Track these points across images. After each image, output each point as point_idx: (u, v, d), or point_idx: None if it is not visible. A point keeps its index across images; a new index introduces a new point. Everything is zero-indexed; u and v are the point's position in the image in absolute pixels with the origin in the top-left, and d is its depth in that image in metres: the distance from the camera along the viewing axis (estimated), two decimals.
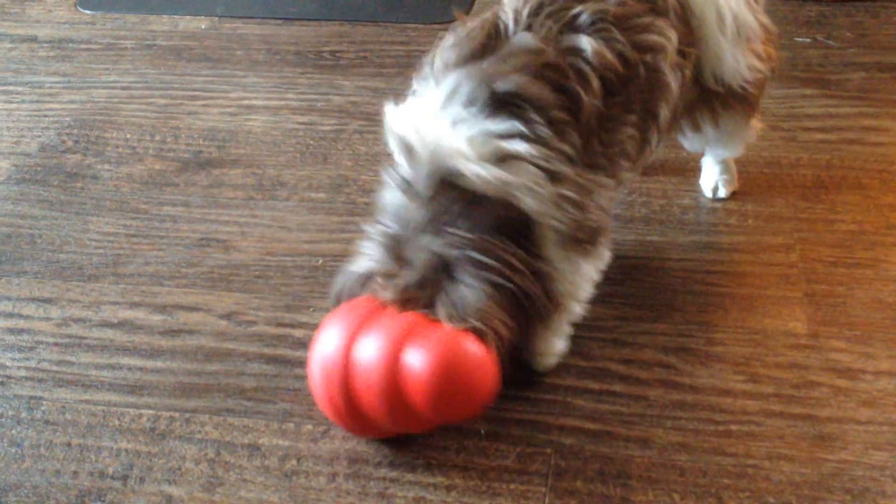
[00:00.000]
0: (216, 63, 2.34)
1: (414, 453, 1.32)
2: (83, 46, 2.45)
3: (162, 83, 2.26)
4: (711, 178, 1.74)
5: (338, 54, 2.36)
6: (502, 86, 1.25)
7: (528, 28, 1.30)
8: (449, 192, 1.25)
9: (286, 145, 2.01)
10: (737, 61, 1.45)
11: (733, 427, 1.34)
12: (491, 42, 1.30)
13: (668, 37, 1.35)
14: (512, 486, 1.27)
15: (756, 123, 1.64)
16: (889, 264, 1.61)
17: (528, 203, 1.25)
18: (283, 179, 1.90)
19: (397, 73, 2.25)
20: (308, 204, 1.83)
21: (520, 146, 1.23)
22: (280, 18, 2.55)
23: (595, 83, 1.29)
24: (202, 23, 2.54)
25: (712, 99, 1.51)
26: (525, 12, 1.31)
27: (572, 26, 1.31)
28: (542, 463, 1.30)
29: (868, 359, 1.44)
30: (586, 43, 1.29)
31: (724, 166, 1.73)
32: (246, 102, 2.17)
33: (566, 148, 1.26)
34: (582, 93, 1.27)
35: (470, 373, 1.23)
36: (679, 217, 1.73)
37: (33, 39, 2.50)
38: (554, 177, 1.25)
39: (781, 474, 1.27)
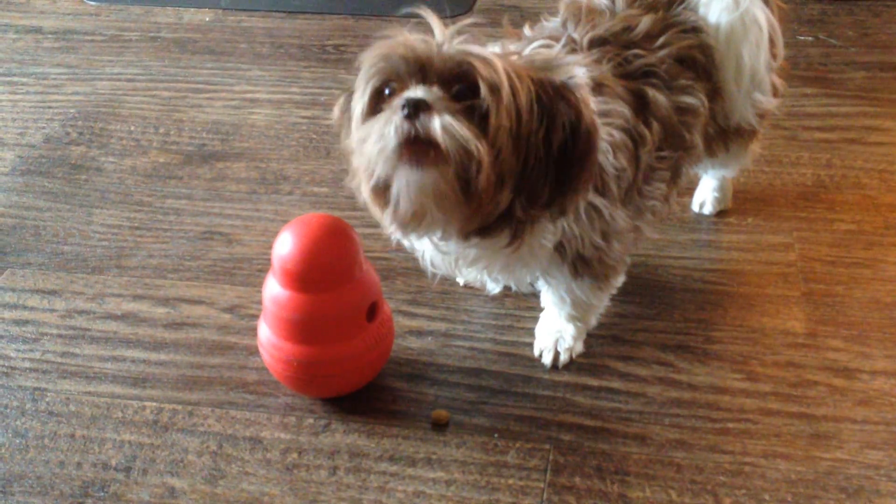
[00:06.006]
0: (220, 56, 2.35)
1: (414, 448, 1.33)
2: (88, 38, 2.46)
3: (166, 76, 2.27)
4: (703, 194, 1.74)
5: (341, 48, 2.37)
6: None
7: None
8: None
9: (289, 139, 2.02)
10: (745, 108, 1.47)
11: (730, 425, 1.35)
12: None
13: (702, 100, 1.37)
14: (511, 482, 1.28)
15: (756, 148, 1.65)
16: (887, 264, 1.62)
17: None
18: (286, 173, 1.91)
19: None
20: (311, 198, 1.84)
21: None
22: (284, 11, 2.56)
23: (656, 129, 1.30)
24: (206, 15, 2.55)
25: (720, 134, 1.51)
26: (586, 40, 1.32)
27: (630, 72, 1.31)
28: (541, 459, 1.31)
29: (865, 358, 1.45)
30: (648, 91, 1.30)
31: (720, 184, 1.72)
32: (250, 96, 2.18)
33: (622, 179, 1.27)
34: (648, 134, 1.28)
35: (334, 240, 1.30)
36: (678, 215, 1.74)
37: (38, 31, 2.51)
38: (604, 190, 1.25)
39: (777, 472, 1.29)
